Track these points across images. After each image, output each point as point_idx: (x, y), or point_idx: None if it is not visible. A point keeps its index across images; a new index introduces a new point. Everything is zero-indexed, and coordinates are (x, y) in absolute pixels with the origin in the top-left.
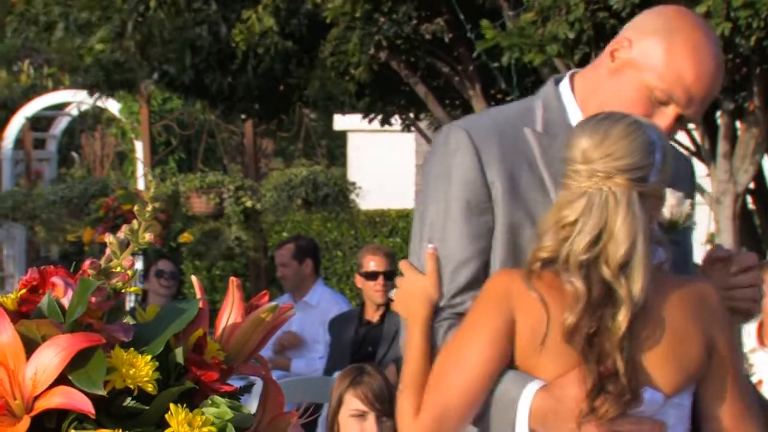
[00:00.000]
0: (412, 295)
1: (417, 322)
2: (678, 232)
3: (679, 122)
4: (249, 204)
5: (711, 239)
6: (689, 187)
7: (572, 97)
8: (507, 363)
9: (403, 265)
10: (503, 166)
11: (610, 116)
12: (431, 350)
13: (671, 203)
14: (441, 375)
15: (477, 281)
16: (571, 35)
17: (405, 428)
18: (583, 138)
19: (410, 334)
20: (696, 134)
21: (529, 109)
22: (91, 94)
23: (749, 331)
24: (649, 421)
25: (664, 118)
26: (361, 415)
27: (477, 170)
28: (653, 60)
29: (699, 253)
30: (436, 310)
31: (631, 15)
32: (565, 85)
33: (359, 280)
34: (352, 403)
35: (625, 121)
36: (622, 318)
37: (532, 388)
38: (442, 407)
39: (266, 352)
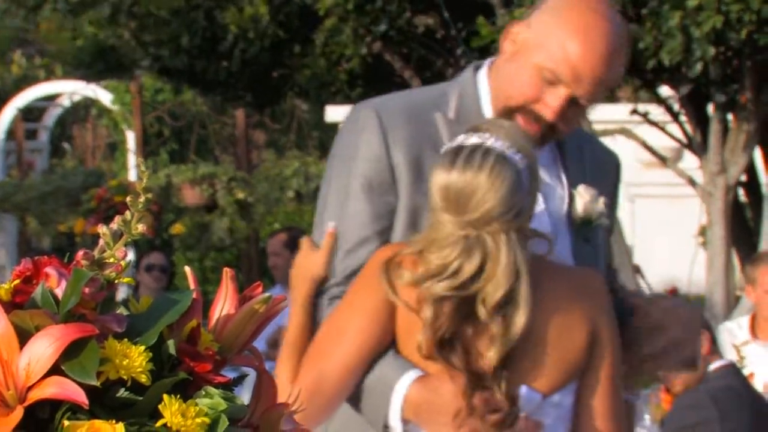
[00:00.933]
0: (299, 271)
1: (298, 297)
2: (590, 230)
3: (573, 105)
4: (241, 196)
5: (703, 232)
6: (612, 182)
7: (486, 84)
8: (389, 340)
9: (303, 241)
10: (409, 149)
11: (471, 156)
12: (313, 325)
13: (585, 199)
14: (320, 344)
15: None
16: None
17: (282, 394)
18: (449, 188)
19: (291, 308)
20: (688, 127)
21: (444, 94)
22: (84, 78)
23: (741, 324)
24: (522, 421)
25: (554, 98)
26: None
27: (382, 150)
28: (543, 39)
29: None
30: (324, 287)
31: (624, 10)
32: (483, 73)
33: None
34: None
35: (488, 165)
36: (493, 354)
37: (409, 377)
38: (319, 374)
39: (260, 345)
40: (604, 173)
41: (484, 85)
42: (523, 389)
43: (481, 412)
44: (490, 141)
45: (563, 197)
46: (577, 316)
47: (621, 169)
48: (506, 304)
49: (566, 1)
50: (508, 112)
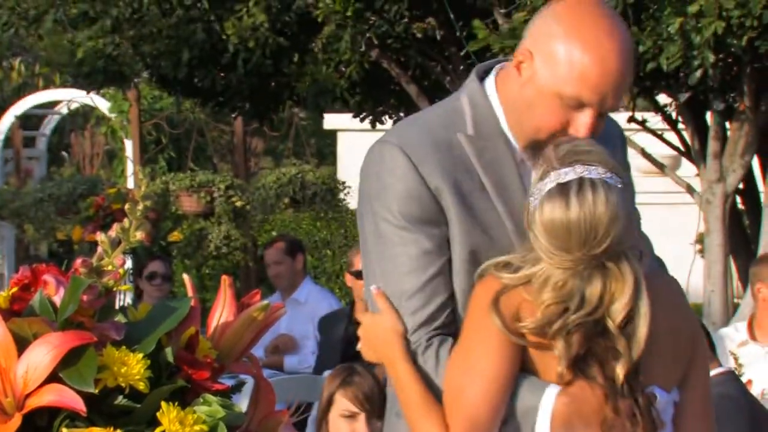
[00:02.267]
0: (378, 338)
1: (397, 359)
2: None
3: (602, 117)
4: (239, 203)
5: (701, 239)
6: (619, 150)
7: (497, 96)
8: (520, 362)
9: (357, 311)
10: (444, 176)
11: (581, 195)
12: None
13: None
14: (457, 390)
15: (448, 294)
16: None
17: None
18: (570, 230)
19: (395, 372)
20: (686, 134)
21: (457, 111)
22: (83, 87)
23: (738, 327)
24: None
25: (583, 121)
26: (351, 416)
27: (420, 184)
28: (554, 68)
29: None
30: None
31: (624, 14)
32: (491, 83)
33: (349, 279)
34: (342, 403)
35: (600, 199)
36: (620, 369)
37: (551, 392)
38: (470, 419)
39: (258, 352)
40: (610, 144)
41: (495, 98)
42: (656, 391)
43: (628, 417)
44: (587, 172)
45: None
46: (682, 319)
47: (622, 132)
48: (631, 319)
49: (566, 20)
50: (534, 143)
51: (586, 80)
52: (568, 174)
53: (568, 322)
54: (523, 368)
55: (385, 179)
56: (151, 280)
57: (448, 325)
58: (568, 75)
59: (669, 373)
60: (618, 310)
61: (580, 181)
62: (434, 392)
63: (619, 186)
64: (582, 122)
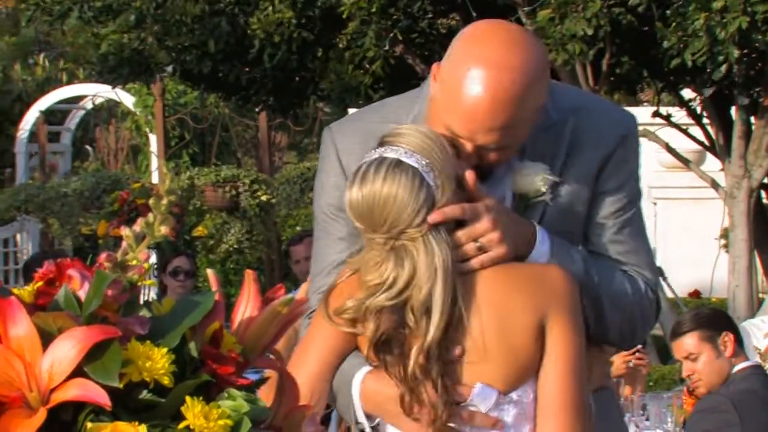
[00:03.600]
0: None
1: None
2: (529, 206)
3: (485, 149)
4: (264, 198)
5: (725, 234)
6: (606, 149)
7: None
8: (349, 350)
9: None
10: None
11: (366, 172)
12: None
13: (519, 176)
14: (295, 360)
15: None
16: (590, 32)
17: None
18: (356, 208)
19: None
20: (710, 129)
21: (411, 101)
22: (108, 82)
23: (764, 319)
24: (480, 417)
25: (466, 150)
26: None
27: (340, 175)
28: (442, 91)
29: (712, 248)
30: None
31: (648, 10)
32: None
33: None
34: None
35: (381, 174)
36: (413, 362)
37: (363, 372)
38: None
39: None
40: (592, 142)
41: None
42: (478, 386)
43: (425, 403)
44: (388, 152)
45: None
46: (521, 310)
47: (627, 126)
48: (429, 308)
49: (462, 49)
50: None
51: (456, 113)
52: (373, 155)
53: (376, 302)
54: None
55: (321, 164)
56: (174, 276)
57: None
58: (446, 104)
59: (502, 371)
60: (415, 296)
61: (370, 162)
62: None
63: (417, 164)
64: (462, 150)
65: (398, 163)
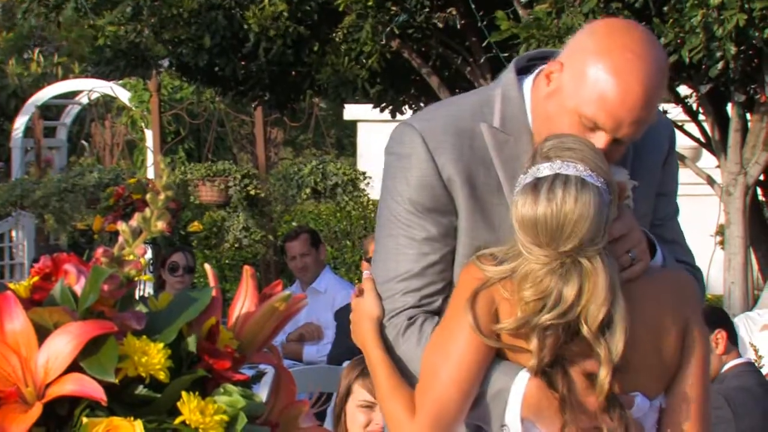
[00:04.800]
0: (356, 323)
1: (369, 344)
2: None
3: (617, 144)
4: (253, 192)
5: (721, 231)
6: (663, 151)
7: (530, 95)
8: (493, 355)
9: (352, 297)
10: (458, 164)
11: (552, 187)
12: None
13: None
14: (431, 372)
15: (444, 284)
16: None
17: (402, 430)
18: (536, 221)
19: (367, 355)
20: (707, 125)
21: (489, 101)
22: (104, 76)
23: (761, 312)
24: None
25: (597, 142)
26: (369, 406)
27: (433, 172)
28: (578, 85)
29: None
30: (387, 316)
31: (645, 5)
32: (529, 82)
33: (365, 267)
34: (361, 393)
35: (570, 193)
36: (604, 376)
37: (524, 375)
38: (439, 403)
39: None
40: (653, 140)
41: (528, 96)
42: (639, 398)
43: (594, 412)
44: (565, 168)
45: None
46: (669, 319)
47: (673, 133)
48: (608, 322)
49: (601, 40)
50: None
51: (604, 104)
52: (545, 170)
53: (543, 319)
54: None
55: (402, 162)
56: (173, 271)
57: (438, 313)
58: (589, 95)
59: (653, 379)
60: (593, 312)
61: (554, 177)
62: (411, 372)
63: (598, 183)
64: (595, 143)
65: (584, 182)
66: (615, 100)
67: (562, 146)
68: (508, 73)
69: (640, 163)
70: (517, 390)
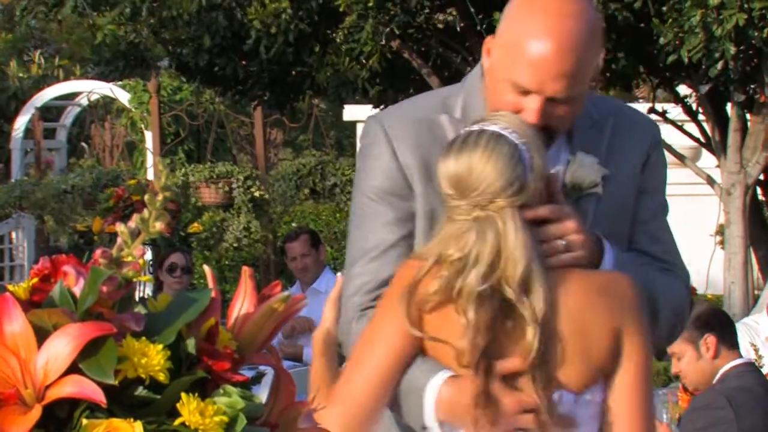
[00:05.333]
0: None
1: (315, 353)
2: (581, 198)
3: (553, 103)
4: (257, 194)
5: (721, 230)
6: (643, 148)
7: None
8: (415, 354)
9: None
10: (417, 152)
11: (466, 140)
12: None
13: (575, 166)
14: (355, 361)
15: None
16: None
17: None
18: (451, 174)
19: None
20: (706, 125)
21: (451, 96)
22: (104, 78)
23: (758, 320)
24: (557, 418)
25: (530, 106)
26: None
27: (392, 159)
28: (503, 55)
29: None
30: (348, 295)
31: (644, 6)
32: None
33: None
34: None
35: (482, 142)
36: (532, 337)
37: (439, 378)
38: (346, 401)
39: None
40: (631, 141)
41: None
42: (558, 393)
43: (513, 412)
44: (485, 126)
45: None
46: (597, 318)
47: (656, 133)
48: (528, 282)
49: (520, 8)
50: None
51: (524, 64)
52: (470, 128)
53: (466, 282)
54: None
55: (365, 152)
56: (171, 272)
57: None
58: (512, 60)
59: (576, 375)
60: (510, 270)
61: (469, 132)
62: None
63: (515, 141)
64: (529, 108)
65: (499, 136)
66: (532, 57)
67: (493, 115)
68: (474, 73)
69: (612, 158)
70: (432, 391)
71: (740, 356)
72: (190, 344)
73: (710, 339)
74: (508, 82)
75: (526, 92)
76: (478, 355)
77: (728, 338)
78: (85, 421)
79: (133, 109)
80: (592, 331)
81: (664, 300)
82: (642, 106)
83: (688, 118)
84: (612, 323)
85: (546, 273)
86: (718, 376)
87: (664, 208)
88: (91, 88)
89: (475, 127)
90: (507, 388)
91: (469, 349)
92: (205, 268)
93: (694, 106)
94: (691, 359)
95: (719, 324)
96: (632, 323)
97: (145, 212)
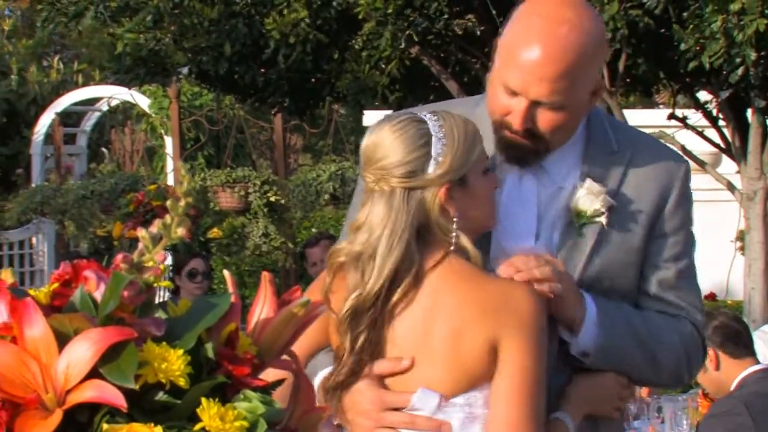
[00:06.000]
0: None
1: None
2: (583, 224)
3: (542, 108)
4: (273, 199)
5: (741, 236)
6: (665, 187)
7: None
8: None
9: None
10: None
11: (389, 116)
12: None
13: (581, 193)
14: None
15: None
16: (607, 34)
17: None
18: (364, 145)
19: None
20: (726, 131)
21: (475, 102)
22: (124, 83)
23: None
24: (425, 420)
25: (516, 108)
26: None
27: None
28: (501, 53)
29: (728, 251)
30: None
31: (665, 12)
32: None
33: None
34: None
35: (395, 120)
36: (348, 304)
37: (321, 375)
38: None
39: None
40: (648, 181)
41: None
42: (420, 391)
43: (376, 409)
44: (424, 112)
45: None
46: (474, 323)
47: (684, 175)
48: (373, 257)
49: (518, 13)
50: (496, 131)
51: (512, 65)
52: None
53: (356, 247)
54: None
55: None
56: (192, 277)
57: None
58: (504, 62)
59: (447, 376)
60: (358, 239)
61: (400, 113)
62: None
63: (431, 126)
64: (514, 110)
65: (417, 120)
66: (519, 59)
67: (445, 108)
68: None
69: (626, 191)
70: (320, 376)
71: (757, 362)
72: (210, 349)
73: (710, 353)
74: (501, 83)
75: (514, 94)
76: (346, 342)
77: (731, 349)
78: (105, 426)
79: (153, 115)
80: (466, 337)
81: (662, 346)
82: (662, 112)
83: (708, 124)
84: (489, 332)
85: (426, 270)
86: (736, 382)
87: (688, 248)
88: (111, 94)
89: (415, 112)
90: (375, 383)
91: (337, 333)
92: (225, 273)
93: (714, 112)
94: (701, 372)
95: (721, 336)
96: (514, 334)
97: (167, 218)
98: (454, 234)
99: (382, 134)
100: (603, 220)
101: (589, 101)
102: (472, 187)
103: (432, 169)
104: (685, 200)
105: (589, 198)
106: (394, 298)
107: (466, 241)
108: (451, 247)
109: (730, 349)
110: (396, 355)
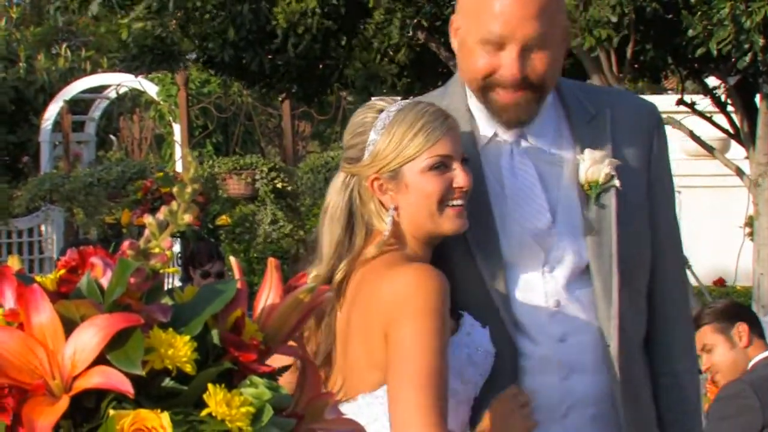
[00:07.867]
0: None
1: None
2: (602, 194)
3: (531, 52)
4: (280, 185)
5: (750, 222)
6: (648, 132)
7: None
8: None
9: None
10: None
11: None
12: None
13: (586, 164)
14: None
15: None
16: (614, 19)
17: None
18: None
19: None
20: (735, 117)
21: (441, 94)
22: (131, 71)
23: None
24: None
25: (506, 61)
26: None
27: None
28: (467, 17)
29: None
30: None
31: None
32: None
33: None
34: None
35: (361, 109)
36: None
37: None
38: None
39: None
40: (633, 133)
41: None
42: (339, 383)
43: None
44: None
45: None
46: (374, 315)
47: (657, 116)
48: (319, 239)
49: None
50: (484, 96)
51: (491, 18)
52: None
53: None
54: None
55: None
56: (205, 277)
57: None
58: (477, 20)
59: (364, 375)
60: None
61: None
62: None
63: (379, 122)
64: (505, 62)
65: (375, 109)
66: (495, 8)
67: (418, 101)
68: (457, 73)
69: (620, 150)
70: None
71: (767, 347)
72: (216, 335)
73: (742, 327)
74: (479, 43)
75: (499, 47)
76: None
77: (757, 328)
78: (112, 412)
79: (161, 102)
80: (373, 329)
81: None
82: (671, 98)
83: (716, 110)
84: (384, 320)
85: (364, 261)
86: (751, 364)
87: (673, 187)
88: (119, 81)
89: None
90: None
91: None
92: (232, 259)
93: (723, 98)
94: (724, 349)
95: (747, 313)
96: (403, 328)
97: (174, 204)
98: (387, 226)
99: (356, 118)
100: (616, 182)
101: (562, 45)
102: (406, 183)
103: (367, 158)
104: (663, 138)
105: (596, 166)
106: (341, 285)
107: (408, 238)
108: (383, 238)
109: (756, 329)
110: (338, 345)
